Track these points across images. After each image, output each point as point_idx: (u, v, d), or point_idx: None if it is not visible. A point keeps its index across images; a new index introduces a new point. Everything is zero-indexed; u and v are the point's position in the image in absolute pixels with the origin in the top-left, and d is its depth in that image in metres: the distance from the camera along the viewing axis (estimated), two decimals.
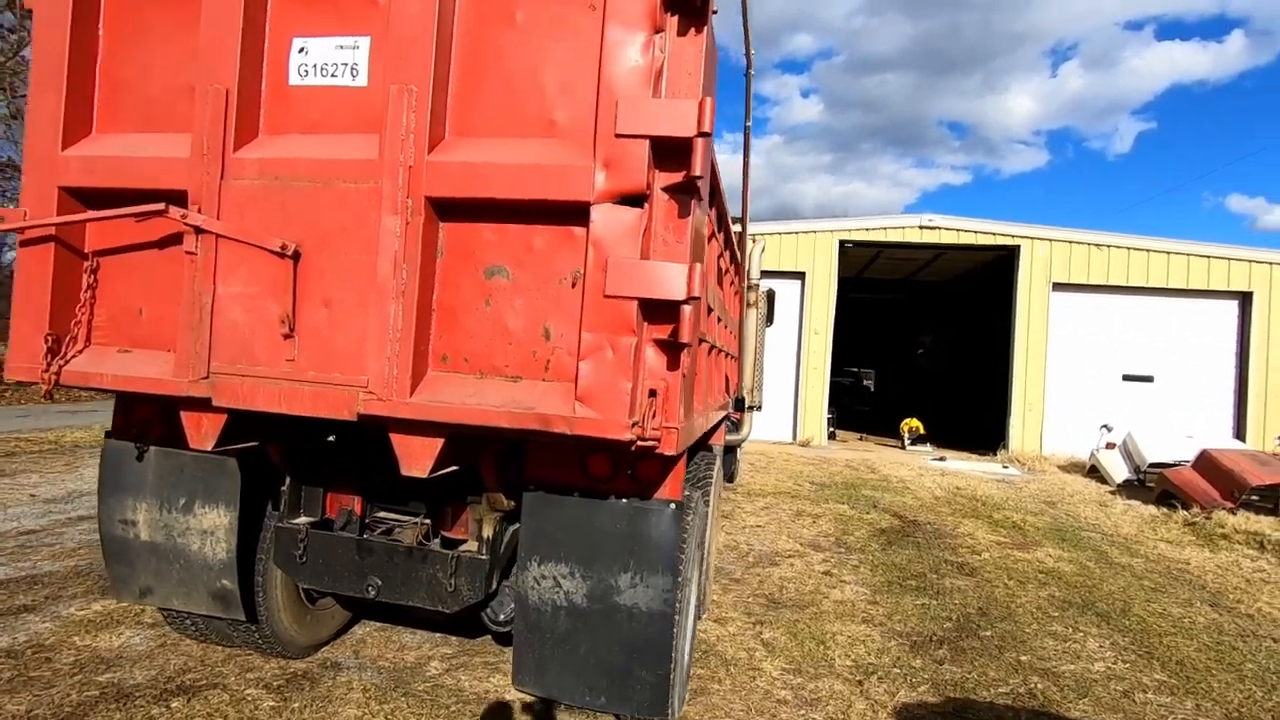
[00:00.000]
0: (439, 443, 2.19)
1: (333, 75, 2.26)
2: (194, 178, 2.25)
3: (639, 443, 2.02)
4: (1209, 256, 14.41)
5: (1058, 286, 14.88)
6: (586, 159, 2.01)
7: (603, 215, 2.00)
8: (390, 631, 3.88)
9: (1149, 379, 14.82)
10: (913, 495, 9.68)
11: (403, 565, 2.81)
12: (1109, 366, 14.93)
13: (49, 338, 2.37)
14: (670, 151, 1.99)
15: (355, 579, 2.85)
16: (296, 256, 2.17)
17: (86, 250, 2.43)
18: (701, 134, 1.93)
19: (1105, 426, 12.49)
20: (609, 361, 1.98)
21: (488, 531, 2.81)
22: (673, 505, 2.48)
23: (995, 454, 14.66)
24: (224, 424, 2.35)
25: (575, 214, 2.06)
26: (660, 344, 2.05)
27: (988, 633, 4.61)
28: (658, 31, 1.99)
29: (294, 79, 2.29)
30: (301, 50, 2.29)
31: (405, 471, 2.22)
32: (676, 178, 2.01)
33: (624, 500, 2.50)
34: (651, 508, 2.48)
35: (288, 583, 3.20)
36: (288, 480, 2.97)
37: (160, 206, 2.23)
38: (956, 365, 23.66)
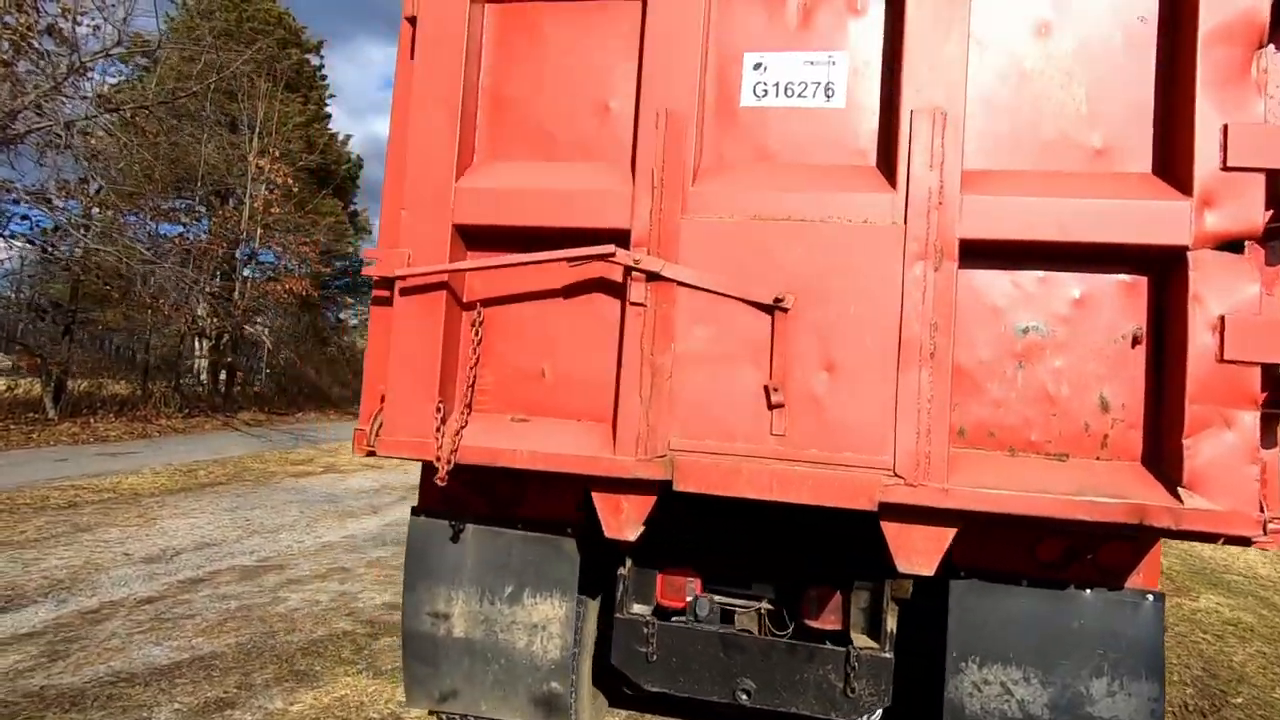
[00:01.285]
0: (950, 535, 1.81)
1: (799, 95, 1.92)
2: (640, 215, 1.88)
3: (1259, 539, 1.66)
4: None
5: None
6: (1175, 195, 1.68)
7: (1204, 262, 1.66)
8: None
9: None
10: None
11: (783, 665, 2.39)
12: None
13: (440, 407, 1.96)
14: None
15: (720, 681, 2.42)
16: (783, 310, 1.80)
17: (473, 300, 2.03)
18: None
19: None
20: (1227, 441, 1.63)
21: (891, 624, 2.40)
22: (1151, 596, 2.11)
23: None
24: (651, 508, 1.95)
25: (1144, 260, 1.72)
26: (1266, 416, 1.71)
27: (1238, 699, 4.27)
28: (1260, 47, 1.69)
29: (747, 99, 1.94)
30: (758, 66, 1.94)
31: (904, 568, 1.83)
32: None
33: (1088, 591, 2.12)
34: (1128, 599, 2.11)
35: (589, 681, 2.76)
36: (628, 562, 2.54)
37: (609, 249, 1.85)
38: None
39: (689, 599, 2.59)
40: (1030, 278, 1.80)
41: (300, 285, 17.73)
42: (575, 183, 1.96)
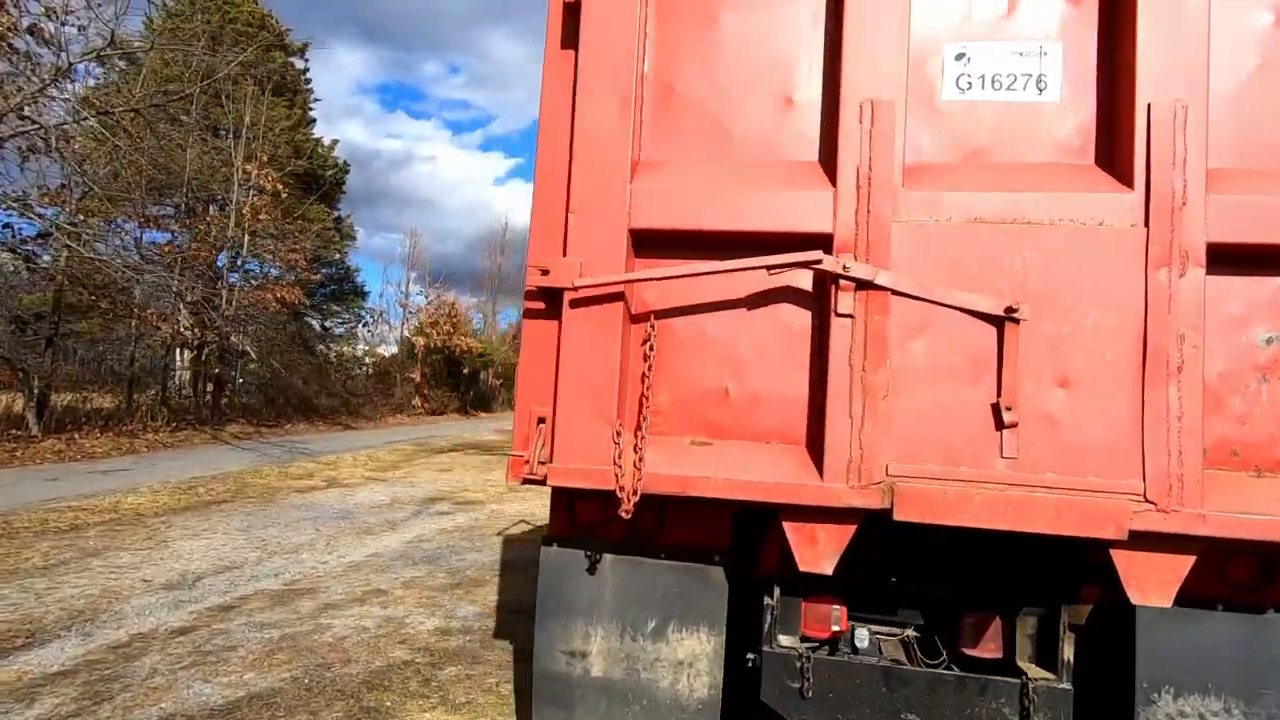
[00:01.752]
0: (1188, 563, 1.66)
1: (1008, 89, 1.77)
2: (844, 218, 1.71)
3: None
4: None
5: None
6: None
7: None
8: None
9: None
10: None
11: (951, 698, 2.23)
12: None
13: (617, 432, 1.77)
14: None
15: (883, 718, 2.25)
16: (1014, 321, 1.65)
17: (644, 311, 1.84)
18: None
19: None
20: None
21: (1069, 653, 2.25)
22: None
23: None
24: (851, 538, 1.78)
25: None
26: None
27: None
28: None
29: (949, 93, 1.79)
30: (960, 57, 1.79)
31: (1138, 600, 1.68)
32: None
33: None
34: None
35: None
36: (776, 591, 2.36)
37: (815, 256, 1.67)
38: None
39: (834, 628, 2.42)
40: (1275, 284, 1.66)
41: (291, 294, 17.21)
42: (762, 183, 1.78)
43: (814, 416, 1.77)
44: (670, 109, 1.89)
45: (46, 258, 12.93)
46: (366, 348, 30.23)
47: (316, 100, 25.06)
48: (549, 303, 1.87)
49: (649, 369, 1.80)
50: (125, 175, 13.08)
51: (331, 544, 7.36)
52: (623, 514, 1.72)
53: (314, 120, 24.86)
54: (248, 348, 18.12)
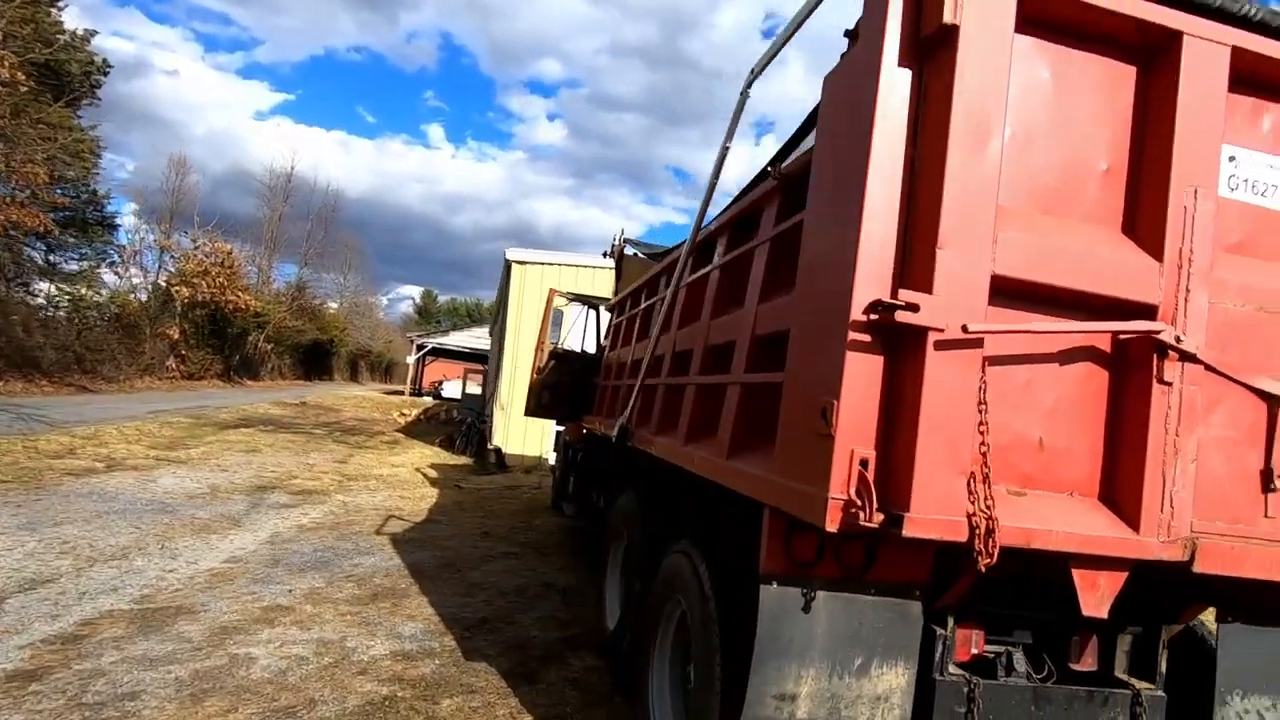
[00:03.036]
0: None
1: (1263, 195, 2.05)
2: (1169, 292, 1.85)
3: None
4: None
5: None
6: None
7: None
8: None
9: None
10: None
11: (1083, 712, 2.51)
12: None
13: (970, 481, 1.72)
14: None
15: None
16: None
17: (986, 359, 1.81)
18: None
19: None
20: None
21: (1164, 664, 2.64)
22: None
23: None
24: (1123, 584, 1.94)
25: None
26: None
27: None
28: None
29: (1223, 190, 2.02)
30: (1232, 159, 2.03)
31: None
32: None
33: None
34: None
35: None
36: (950, 621, 2.45)
37: (1156, 326, 1.79)
38: None
39: (974, 650, 2.60)
40: None
41: (31, 218, 13.22)
42: (1094, 247, 1.86)
43: (1113, 471, 1.89)
44: (1022, 159, 1.88)
45: None
46: (111, 293, 24.64)
47: None
48: (891, 339, 1.76)
49: (984, 418, 1.78)
50: None
51: (166, 546, 6.02)
52: (981, 569, 1.69)
53: (65, 3, 19.67)
54: None
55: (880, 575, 2.23)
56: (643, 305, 5.02)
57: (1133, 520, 1.84)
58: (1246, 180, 2.04)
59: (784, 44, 2.59)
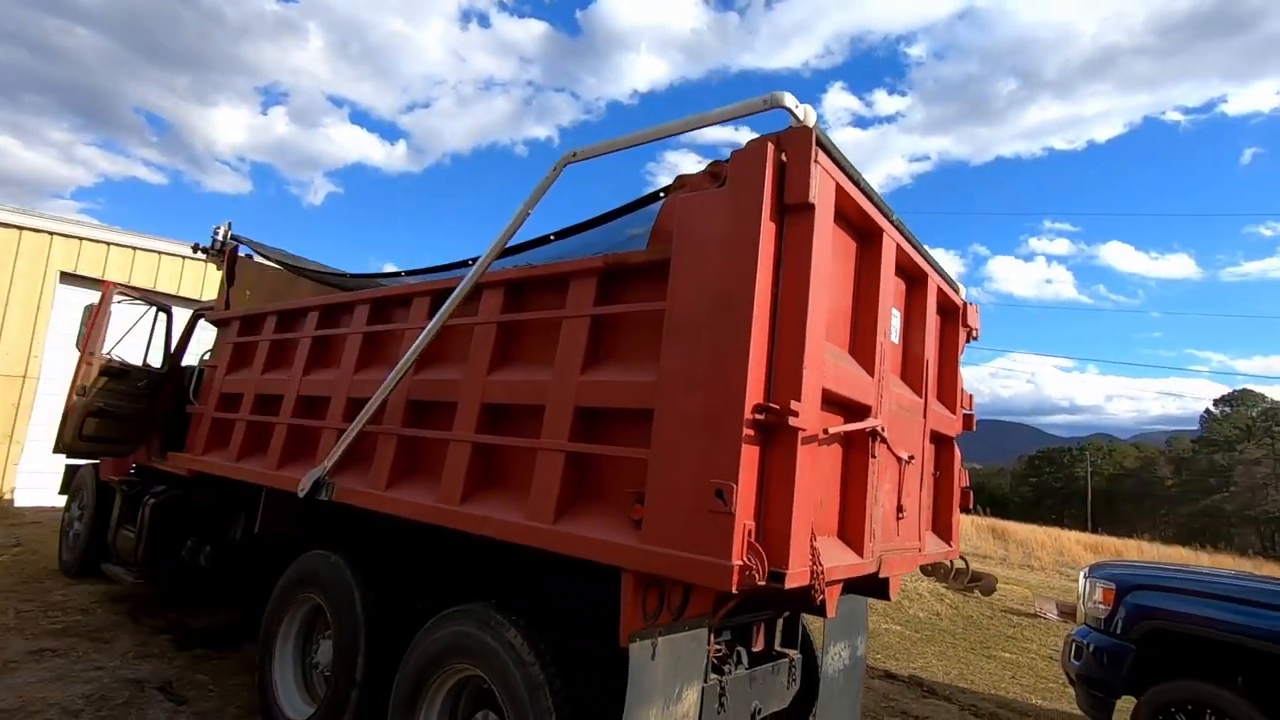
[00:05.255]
0: None
1: (893, 336, 3.32)
2: (876, 399, 2.87)
3: None
4: None
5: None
6: None
7: None
8: None
9: None
10: None
11: (767, 680, 3.45)
12: None
13: (811, 539, 2.36)
14: None
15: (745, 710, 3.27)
16: (908, 461, 3.16)
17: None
18: None
19: None
20: None
21: (799, 636, 3.76)
22: None
23: None
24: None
25: None
26: None
27: None
28: None
29: (894, 337, 3.20)
30: (893, 316, 3.23)
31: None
32: None
33: None
34: None
35: None
36: (710, 636, 3.04)
37: (878, 422, 2.77)
38: None
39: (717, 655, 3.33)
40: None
41: None
42: (848, 366, 2.76)
43: (845, 517, 2.82)
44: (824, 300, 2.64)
45: None
46: None
47: None
48: (767, 434, 2.29)
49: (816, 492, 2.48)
50: None
51: None
52: (816, 601, 2.34)
53: None
54: None
55: (691, 613, 2.72)
56: (318, 330, 4.38)
57: (858, 549, 2.78)
58: (895, 329, 3.28)
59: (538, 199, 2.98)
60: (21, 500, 9.81)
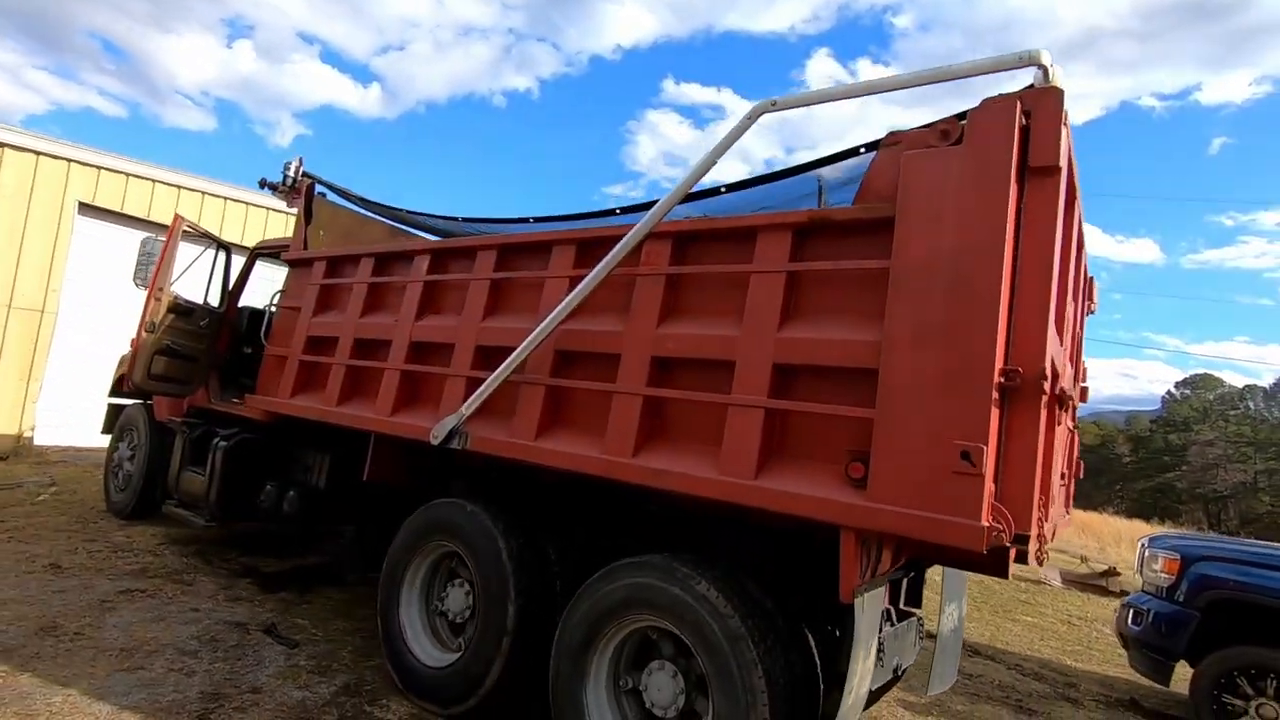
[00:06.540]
0: None
1: None
2: (1064, 364, 2.89)
3: None
4: None
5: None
6: None
7: None
8: None
9: None
10: None
11: (908, 633, 3.54)
12: None
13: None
14: None
15: (891, 665, 3.36)
16: (1074, 429, 3.20)
17: None
18: None
19: None
20: None
21: (921, 597, 3.85)
22: None
23: None
24: None
25: None
26: None
27: None
28: None
29: None
30: None
31: None
32: None
33: None
34: None
35: None
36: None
37: (1069, 387, 2.79)
38: None
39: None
40: None
41: None
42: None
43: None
44: None
45: None
46: None
47: None
48: (1008, 395, 2.30)
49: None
50: None
51: None
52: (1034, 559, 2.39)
53: None
54: None
55: (884, 569, 2.76)
56: (430, 275, 4.24)
57: (1044, 513, 2.83)
58: None
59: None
60: (41, 439, 9.51)
